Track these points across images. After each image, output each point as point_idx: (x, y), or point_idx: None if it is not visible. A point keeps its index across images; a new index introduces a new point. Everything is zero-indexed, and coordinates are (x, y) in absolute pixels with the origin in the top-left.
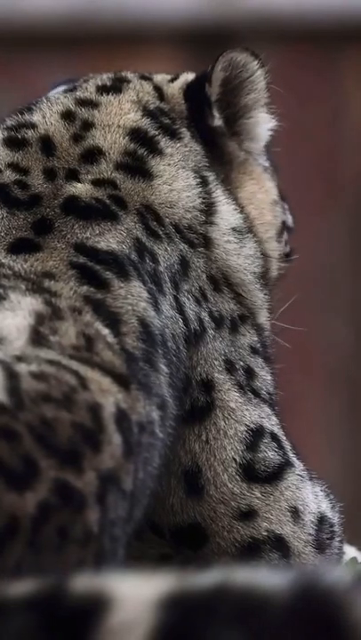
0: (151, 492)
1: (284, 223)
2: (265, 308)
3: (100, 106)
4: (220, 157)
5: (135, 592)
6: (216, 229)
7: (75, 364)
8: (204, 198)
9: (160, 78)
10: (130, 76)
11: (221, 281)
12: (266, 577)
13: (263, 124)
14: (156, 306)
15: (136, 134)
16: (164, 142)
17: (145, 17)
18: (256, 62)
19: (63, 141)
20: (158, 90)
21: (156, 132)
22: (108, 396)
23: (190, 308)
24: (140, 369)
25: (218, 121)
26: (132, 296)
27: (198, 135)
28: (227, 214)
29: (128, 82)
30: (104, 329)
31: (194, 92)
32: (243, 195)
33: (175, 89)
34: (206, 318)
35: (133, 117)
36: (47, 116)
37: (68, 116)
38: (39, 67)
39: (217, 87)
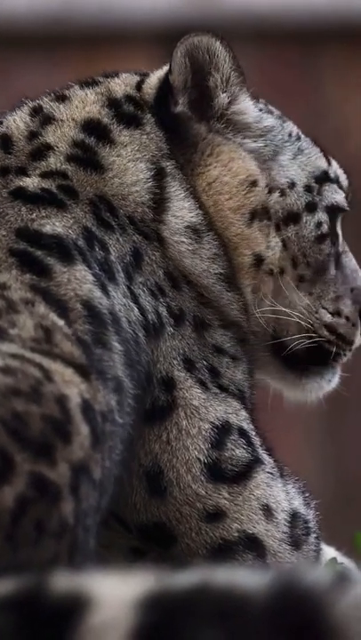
0: (116, 479)
1: (310, 205)
2: (235, 308)
3: (68, 100)
4: (185, 141)
5: (115, 592)
6: (166, 229)
7: (37, 357)
8: (154, 194)
9: (154, 72)
10: (122, 71)
11: (180, 279)
12: (246, 577)
13: (235, 103)
14: (104, 289)
15: (88, 125)
16: (118, 130)
17: (124, 17)
18: (218, 42)
19: (20, 139)
20: (141, 81)
21: (111, 121)
22: (72, 386)
23: (146, 300)
24: (94, 355)
25: (180, 107)
26: (75, 279)
27: (162, 122)
28: (181, 211)
29: (112, 76)
30: (59, 320)
31: (164, 80)
32: (202, 181)
33: (155, 77)
34: (164, 313)
35: (90, 109)
36: (17, 114)
37: (35, 112)
38: (19, 66)
39: (181, 73)
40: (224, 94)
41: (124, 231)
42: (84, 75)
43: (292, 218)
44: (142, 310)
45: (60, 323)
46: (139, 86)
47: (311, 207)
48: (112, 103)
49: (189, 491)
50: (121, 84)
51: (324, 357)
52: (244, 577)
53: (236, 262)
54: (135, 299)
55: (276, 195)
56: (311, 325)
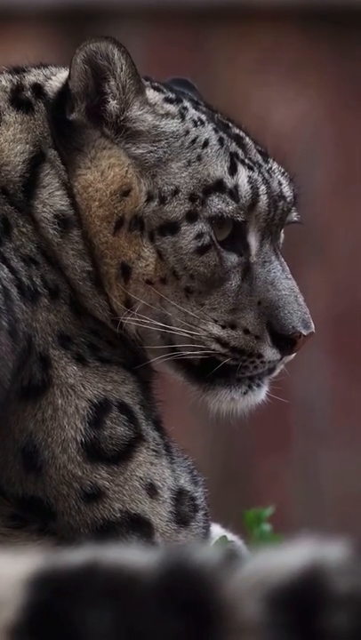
0: None
1: (190, 215)
2: (99, 309)
3: None
4: (72, 143)
5: (4, 570)
6: (35, 213)
7: None
8: (24, 177)
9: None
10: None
11: (53, 260)
12: (135, 556)
13: (129, 110)
14: None
15: None
16: (8, 111)
17: None
18: (116, 49)
19: None
20: (54, 74)
21: (4, 103)
22: None
23: (18, 264)
24: None
25: (75, 114)
26: None
27: (54, 121)
28: (50, 199)
29: (42, 67)
30: None
31: (65, 84)
32: (78, 183)
33: (64, 74)
34: (39, 282)
35: None
36: None
37: None
38: None
39: (81, 80)
40: (115, 101)
41: None
42: None
43: (170, 227)
44: (14, 271)
45: None
46: (48, 77)
47: (192, 217)
48: (16, 88)
49: (65, 471)
50: (39, 74)
51: (227, 370)
52: (133, 556)
53: (102, 270)
54: (5, 260)
55: (154, 203)
56: (199, 337)
